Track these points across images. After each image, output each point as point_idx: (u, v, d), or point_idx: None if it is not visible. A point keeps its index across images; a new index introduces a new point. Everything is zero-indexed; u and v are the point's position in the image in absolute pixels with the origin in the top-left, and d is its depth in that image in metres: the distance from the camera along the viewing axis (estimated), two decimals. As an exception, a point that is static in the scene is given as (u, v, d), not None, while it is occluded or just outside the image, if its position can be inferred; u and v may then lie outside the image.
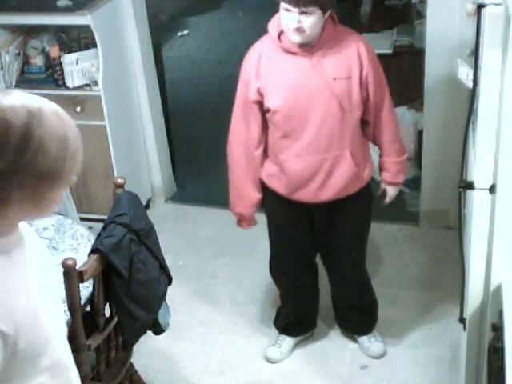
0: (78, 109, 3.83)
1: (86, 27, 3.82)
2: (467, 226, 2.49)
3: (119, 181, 2.69)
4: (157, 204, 4.55)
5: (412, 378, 3.17)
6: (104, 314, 2.53)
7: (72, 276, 2.27)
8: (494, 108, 2.04)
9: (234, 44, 6.67)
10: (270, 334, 3.41)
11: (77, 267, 2.29)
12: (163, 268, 2.67)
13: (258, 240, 3.39)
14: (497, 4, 1.92)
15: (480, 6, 1.97)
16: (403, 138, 3.03)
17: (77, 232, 2.86)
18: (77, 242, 2.80)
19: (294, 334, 3.34)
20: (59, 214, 3.09)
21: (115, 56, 4.02)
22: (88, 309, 2.53)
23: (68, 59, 3.89)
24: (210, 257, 4.03)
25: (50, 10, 3.91)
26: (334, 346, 3.37)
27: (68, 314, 2.31)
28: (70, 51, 3.93)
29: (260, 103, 2.80)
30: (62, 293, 2.24)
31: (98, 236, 2.49)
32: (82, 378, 1.87)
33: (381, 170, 3.01)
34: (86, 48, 3.94)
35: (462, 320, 2.54)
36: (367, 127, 2.89)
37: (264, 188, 2.98)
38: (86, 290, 2.49)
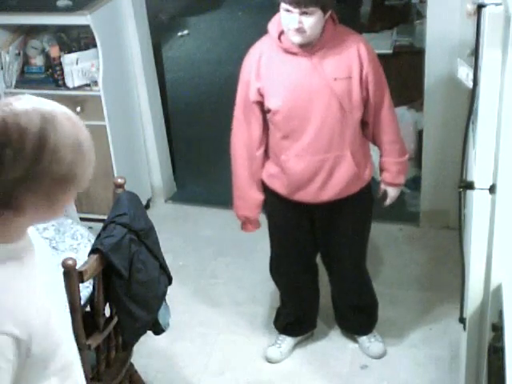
0: (78, 109, 3.83)
1: (86, 27, 3.82)
2: (467, 226, 2.49)
3: (119, 181, 2.69)
4: (157, 204, 4.55)
5: (412, 378, 3.17)
6: (104, 314, 2.53)
7: (72, 276, 2.27)
8: (493, 108, 2.04)
9: (234, 44, 6.67)
10: (270, 334, 3.41)
11: (77, 267, 2.29)
12: (163, 268, 2.67)
13: (258, 240, 3.39)
14: (497, 4, 1.92)
15: (480, 6, 1.97)
16: (403, 138, 3.03)
17: (77, 232, 2.86)
18: (77, 242, 2.80)
19: (294, 334, 3.34)
20: (59, 214, 3.08)
21: (115, 56, 4.02)
22: (88, 309, 2.53)
23: (68, 59, 3.89)
24: (210, 257, 4.03)
25: (50, 10, 3.91)
26: (333, 345, 3.37)
27: (68, 314, 2.32)
28: (70, 51, 3.93)
29: (260, 104, 2.80)
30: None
31: (98, 236, 2.49)
32: (82, 378, 1.88)
33: (381, 170, 3.01)
34: (86, 48, 3.94)
35: (461, 320, 2.54)
36: (367, 127, 2.89)
37: (264, 188, 2.98)
38: (86, 289, 2.49)
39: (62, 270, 2.25)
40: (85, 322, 2.39)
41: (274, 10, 2.70)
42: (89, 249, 2.50)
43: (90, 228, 3.18)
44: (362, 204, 2.99)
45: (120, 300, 2.49)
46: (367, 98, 2.78)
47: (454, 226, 3.22)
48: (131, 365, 2.84)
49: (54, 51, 3.92)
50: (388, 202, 3.05)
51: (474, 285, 2.32)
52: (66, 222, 2.90)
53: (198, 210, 4.47)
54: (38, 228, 2.78)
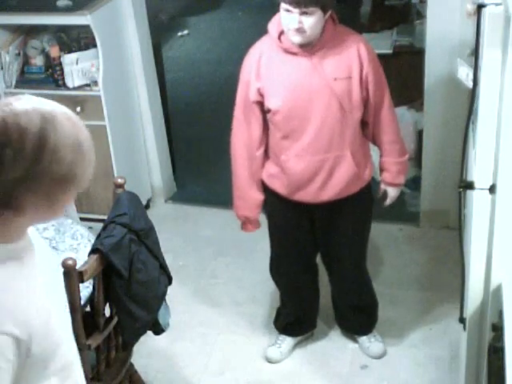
0: (78, 109, 3.82)
1: (86, 27, 3.82)
2: (467, 226, 2.49)
3: (119, 181, 2.69)
4: (157, 204, 4.55)
5: (412, 378, 3.17)
6: (104, 314, 2.53)
7: (72, 276, 2.27)
8: (493, 108, 2.04)
9: (234, 44, 6.66)
10: (270, 334, 3.41)
11: (77, 267, 2.29)
12: (163, 268, 2.67)
13: (258, 240, 3.39)
14: (497, 4, 1.92)
15: (480, 6, 1.97)
16: (403, 138, 3.03)
17: (77, 232, 2.86)
18: (77, 242, 2.80)
19: (294, 334, 3.34)
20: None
21: (115, 56, 4.02)
22: (88, 309, 2.53)
23: (68, 59, 3.89)
24: (210, 257, 4.03)
25: (50, 10, 3.91)
26: (333, 345, 3.37)
27: (68, 314, 2.32)
28: (70, 51, 3.93)
29: (261, 104, 2.79)
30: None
31: (98, 236, 2.49)
32: (82, 378, 1.88)
33: (381, 170, 3.01)
34: (86, 48, 3.94)
35: (461, 320, 2.54)
36: (367, 127, 2.89)
37: (264, 188, 2.98)
38: (86, 289, 2.49)
39: (62, 270, 2.25)
40: (85, 322, 2.39)
41: (274, 9, 2.70)
42: (89, 249, 2.50)
43: (90, 228, 3.18)
44: (362, 204, 2.99)
45: (120, 300, 2.49)
46: (367, 97, 2.78)
47: (454, 225, 3.22)
48: (131, 365, 2.84)
49: (54, 51, 3.92)
50: (388, 202, 3.05)
51: (474, 285, 2.32)
52: (65, 222, 2.90)
53: (198, 210, 4.47)
54: (38, 228, 2.78)
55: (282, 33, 2.70)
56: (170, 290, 2.73)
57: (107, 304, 2.55)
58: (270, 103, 2.76)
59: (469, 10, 2.48)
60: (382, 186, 3.03)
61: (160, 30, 5.20)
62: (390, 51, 4.59)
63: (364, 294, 3.27)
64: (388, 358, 3.28)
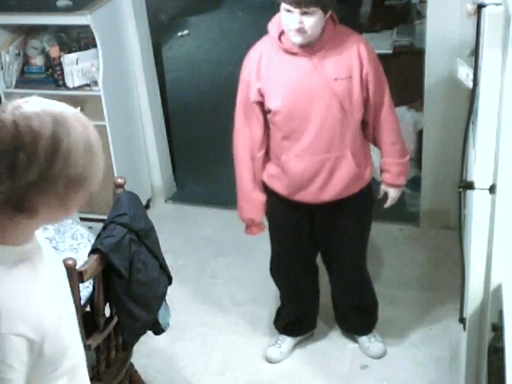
0: (78, 109, 3.80)
1: (86, 27, 3.82)
2: (467, 226, 2.48)
3: (119, 181, 2.69)
4: (157, 204, 4.55)
5: (412, 378, 3.17)
6: (104, 314, 2.53)
7: (72, 276, 2.26)
8: (493, 108, 2.04)
9: (234, 44, 6.67)
10: (270, 334, 3.41)
11: (77, 267, 2.29)
12: (163, 268, 2.67)
13: (258, 240, 3.39)
14: (497, 4, 1.92)
15: (480, 6, 1.97)
16: (403, 138, 3.02)
17: (77, 232, 2.86)
18: (77, 242, 2.80)
19: (294, 334, 3.34)
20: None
21: (115, 56, 4.02)
22: (88, 309, 2.53)
23: (68, 59, 3.89)
24: (210, 257, 4.03)
25: (50, 9, 3.91)
26: (334, 346, 3.37)
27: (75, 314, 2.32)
28: (70, 51, 3.93)
29: (261, 104, 2.79)
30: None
31: (98, 236, 2.49)
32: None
33: (382, 171, 3.00)
34: (86, 48, 3.94)
35: (461, 320, 2.54)
36: (368, 128, 2.89)
37: (265, 189, 2.98)
38: (86, 289, 2.49)
39: (62, 270, 2.25)
40: (85, 321, 2.39)
41: (274, 10, 2.70)
42: (89, 249, 2.50)
43: (90, 228, 3.18)
44: (362, 204, 2.99)
45: (120, 300, 2.49)
46: (367, 98, 2.78)
47: (454, 225, 3.22)
48: (131, 365, 2.84)
49: (54, 51, 3.92)
50: (389, 203, 3.04)
51: (474, 285, 2.32)
52: (65, 222, 2.90)
53: (198, 210, 4.47)
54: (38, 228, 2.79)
55: (282, 33, 2.70)
56: (170, 290, 2.73)
57: (107, 304, 2.55)
58: (270, 103, 2.76)
59: (469, 10, 2.48)
60: (383, 187, 3.02)
61: (160, 30, 5.20)
62: (390, 51, 4.58)
63: (364, 293, 3.27)
64: (388, 358, 3.28)
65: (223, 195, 4.36)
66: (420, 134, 4.15)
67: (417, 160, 4.20)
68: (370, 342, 3.29)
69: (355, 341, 3.35)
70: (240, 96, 2.85)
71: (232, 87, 2.97)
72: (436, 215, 4.06)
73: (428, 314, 3.49)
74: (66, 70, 3.91)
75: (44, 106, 1.35)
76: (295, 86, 2.70)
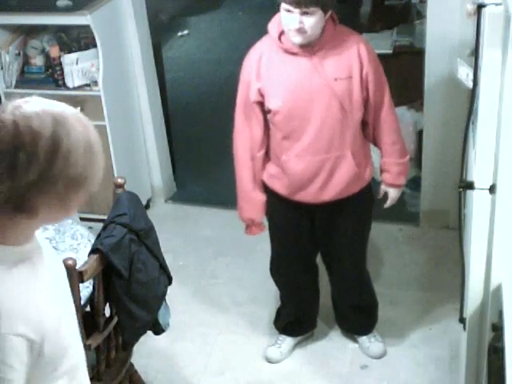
0: (78, 109, 3.80)
1: (86, 27, 3.82)
2: (467, 226, 2.48)
3: (119, 181, 2.69)
4: (157, 204, 4.55)
5: (412, 378, 3.17)
6: (104, 314, 2.53)
7: (72, 276, 2.26)
8: (493, 108, 2.04)
9: (234, 44, 6.67)
10: (270, 334, 3.41)
11: (77, 267, 2.29)
12: (163, 268, 2.67)
13: (258, 240, 3.39)
14: (497, 4, 1.92)
15: (480, 6, 1.97)
16: (403, 138, 3.02)
17: (77, 232, 2.86)
18: (77, 242, 2.80)
19: (294, 334, 3.34)
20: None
21: (115, 56, 4.02)
22: (88, 309, 2.53)
23: (68, 59, 3.89)
24: (210, 257, 4.03)
25: (50, 9, 3.91)
26: (334, 346, 3.37)
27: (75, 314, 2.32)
28: (70, 51, 3.93)
29: (261, 104, 2.79)
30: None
31: (98, 236, 2.49)
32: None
33: (382, 171, 3.00)
34: (86, 48, 3.94)
35: (461, 320, 2.54)
36: (368, 128, 2.89)
37: (265, 189, 2.98)
38: (86, 289, 2.49)
39: (62, 270, 2.25)
40: (85, 321, 2.39)
41: (274, 10, 2.70)
42: (89, 249, 2.50)
43: (90, 228, 3.18)
44: (362, 204, 2.99)
45: (120, 300, 2.49)
46: (367, 98, 2.78)
47: (454, 226, 3.22)
48: (131, 365, 2.84)
49: (54, 51, 3.92)
50: (389, 203, 3.04)
51: (474, 285, 2.32)
52: (65, 222, 2.90)
53: (198, 210, 4.47)
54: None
55: (282, 33, 2.70)
56: (170, 290, 2.73)
57: (107, 304, 2.55)
58: (270, 103, 2.76)
59: (469, 10, 2.48)
60: (383, 187, 3.02)
61: (160, 30, 5.20)
62: (390, 51, 4.58)
63: (364, 293, 3.27)
64: (388, 358, 3.28)
65: (223, 195, 4.36)
66: (420, 134, 4.15)
67: (417, 160, 4.20)
68: (370, 342, 3.29)
69: (355, 341, 3.35)
70: (240, 96, 2.84)
71: (232, 87, 2.97)
72: (436, 215, 4.06)
73: (428, 314, 3.49)
74: (66, 70, 3.91)
75: (44, 106, 1.35)
76: (295, 86, 2.70)
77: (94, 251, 2.42)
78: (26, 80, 4.06)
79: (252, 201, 2.97)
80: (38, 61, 4.06)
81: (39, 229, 1.48)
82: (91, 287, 2.50)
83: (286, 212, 3.00)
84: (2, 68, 3.98)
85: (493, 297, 2.20)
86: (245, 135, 2.87)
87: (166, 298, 2.73)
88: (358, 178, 2.88)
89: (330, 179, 2.83)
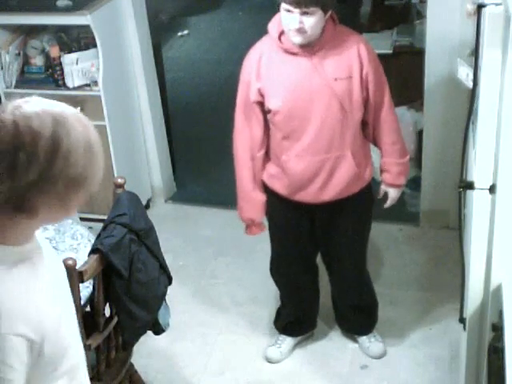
0: (78, 109, 3.80)
1: (86, 27, 3.82)
2: (467, 226, 2.49)
3: (119, 181, 2.69)
4: (157, 204, 4.55)
5: (412, 378, 3.17)
6: (104, 314, 2.53)
7: (72, 276, 2.26)
8: (493, 108, 2.04)
9: (234, 44, 6.67)
10: (270, 334, 3.41)
11: (77, 267, 2.29)
12: (163, 268, 2.67)
13: (258, 240, 3.39)
14: (497, 4, 1.92)
15: (480, 6, 1.97)
16: (403, 138, 3.02)
17: (77, 232, 2.86)
18: (77, 242, 2.80)
19: (294, 334, 3.34)
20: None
21: (115, 56, 4.02)
22: (88, 309, 2.53)
23: (68, 59, 3.89)
24: (210, 257, 4.03)
25: (50, 9, 3.91)
26: (334, 346, 3.37)
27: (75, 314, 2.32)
28: (70, 51, 3.93)
29: (261, 104, 2.79)
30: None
31: (98, 236, 2.49)
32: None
33: (382, 171, 3.00)
34: (86, 48, 3.94)
35: (461, 320, 2.54)
36: (367, 128, 2.89)
37: (265, 189, 2.98)
38: (86, 289, 2.49)
39: (62, 270, 2.25)
40: (85, 321, 2.39)
41: (274, 10, 2.70)
42: (89, 249, 2.50)
43: (90, 228, 3.18)
44: (362, 204, 2.99)
45: (120, 300, 2.49)
46: (367, 98, 2.78)
47: (454, 225, 3.22)
48: (131, 365, 2.84)
49: (54, 51, 3.92)
50: (388, 203, 3.04)
51: (474, 285, 2.32)
52: (65, 222, 2.90)
53: (198, 210, 4.47)
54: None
55: (282, 33, 2.70)
56: (170, 290, 2.73)
57: (107, 304, 2.55)
58: (270, 103, 2.75)
59: (469, 10, 2.48)
60: (383, 187, 3.02)
61: (160, 30, 5.20)
62: (390, 51, 4.58)
63: (364, 293, 3.27)
64: (388, 358, 3.28)
65: (223, 195, 4.36)
66: (420, 134, 4.15)
67: (417, 160, 4.20)
68: (370, 342, 3.29)
69: (355, 341, 3.35)
70: (240, 96, 2.84)
71: (232, 87, 2.97)
72: (436, 215, 4.06)
73: (428, 314, 3.49)
74: (66, 70, 3.91)
75: (44, 106, 1.35)
76: (295, 86, 2.70)
77: (94, 251, 2.42)
78: (26, 80, 4.06)
79: (252, 201, 2.97)
80: (38, 61, 4.06)
81: (39, 229, 1.48)
82: (91, 287, 2.50)
83: (286, 212, 3.00)
84: (1, 68, 3.98)
85: (493, 297, 2.20)
86: (245, 135, 2.87)
87: (166, 298, 2.73)
88: (358, 177, 2.88)
89: (330, 179, 2.83)
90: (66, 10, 3.87)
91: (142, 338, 2.69)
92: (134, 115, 4.30)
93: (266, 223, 3.09)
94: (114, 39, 4.01)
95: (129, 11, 4.05)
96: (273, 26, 2.74)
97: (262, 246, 3.51)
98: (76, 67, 3.90)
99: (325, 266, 3.23)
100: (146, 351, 3.29)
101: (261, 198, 2.97)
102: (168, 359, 3.36)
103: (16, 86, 4.03)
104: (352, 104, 2.73)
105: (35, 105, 1.34)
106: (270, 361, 3.31)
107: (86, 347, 2.40)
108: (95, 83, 3.91)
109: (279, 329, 3.36)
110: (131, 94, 4.23)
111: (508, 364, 1.79)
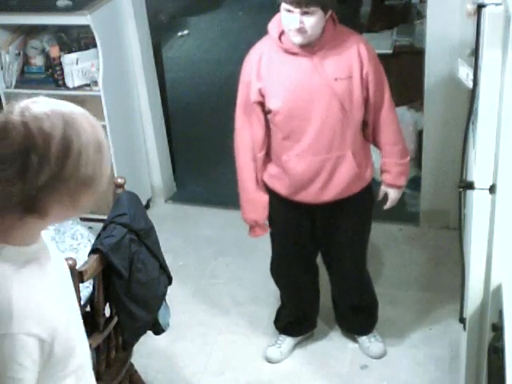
0: (80, 109, 3.82)
1: (86, 27, 3.82)
2: (467, 226, 2.49)
3: (119, 181, 2.69)
4: (157, 204, 4.55)
5: (412, 378, 3.17)
6: (104, 314, 2.53)
7: (72, 276, 2.26)
8: (493, 108, 2.04)
9: (234, 44, 6.67)
10: (270, 334, 3.41)
11: (77, 267, 2.29)
12: (163, 268, 2.67)
13: (258, 240, 3.39)
14: (497, 4, 1.92)
15: (480, 6, 1.97)
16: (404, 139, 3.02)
17: (77, 232, 2.86)
18: (77, 242, 2.80)
19: (294, 334, 3.34)
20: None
21: (115, 56, 4.02)
22: (88, 309, 2.53)
23: (68, 59, 3.89)
24: (210, 257, 4.03)
25: (50, 9, 3.91)
26: (334, 346, 3.37)
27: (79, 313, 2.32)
28: (70, 51, 3.93)
29: (262, 104, 2.79)
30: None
31: (98, 236, 2.49)
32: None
33: (382, 171, 2.99)
34: (86, 48, 3.94)
35: (461, 320, 2.55)
36: (368, 128, 2.89)
37: (265, 189, 2.98)
38: (86, 289, 2.49)
39: (62, 270, 2.25)
40: (85, 322, 2.38)
41: (274, 10, 2.70)
42: (89, 249, 2.50)
43: (90, 228, 3.18)
44: (362, 204, 2.99)
45: (120, 300, 2.49)
46: (368, 97, 2.78)
47: (454, 225, 3.22)
48: (131, 365, 2.84)
49: (54, 51, 3.92)
50: (389, 204, 3.02)
51: (474, 285, 2.32)
52: (66, 222, 2.90)
53: (198, 210, 4.47)
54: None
55: (282, 33, 2.70)
56: (170, 290, 2.73)
57: (107, 304, 2.55)
58: (270, 104, 2.75)
59: (469, 10, 2.48)
60: (383, 188, 3.01)
61: (160, 30, 5.20)
62: (390, 51, 4.58)
63: (364, 293, 3.27)
64: (388, 358, 3.28)
65: (223, 195, 4.36)
66: (420, 134, 4.15)
67: (417, 160, 4.20)
68: (370, 342, 3.29)
69: (355, 341, 3.35)
70: (240, 96, 2.84)
71: (232, 87, 2.97)
72: (436, 215, 4.06)
73: (428, 314, 3.49)
74: (66, 69, 3.91)
75: (53, 106, 1.35)
76: (295, 86, 2.70)
77: (93, 251, 2.42)
78: (26, 80, 4.06)
79: (255, 202, 2.96)
80: (37, 61, 4.06)
81: (46, 229, 1.48)
82: (91, 287, 2.50)
83: (287, 212, 2.99)
84: (2, 68, 3.98)
85: (493, 297, 2.20)
86: (246, 136, 2.87)
87: (166, 298, 2.73)
88: (359, 178, 2.88)
89: (330, 179, 2.83)
90: (66, 9, 3.87)
91: (142, 338, 2.69)
92: (134, 115, 4.30)
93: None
94: (113, 39, 4.01)
95: (129, 11, 4.05)
96: (273, 26, 2.74)
97: (262, 245, 3.51)
98: (76, 67, 3.90)
99: (325, 266, 3.23)
100: (146, 351, 3.29)
101: (264, 198, 2.96)
102: (168, 359, 3.36)
103: (16, 86, 4.02)
104: (352, 104, 2.73)
105: (44, 105, 1.34)
106: (270, 361, 3.31)
107: (86, 347, 2.40)
108: (95, 83, 3.91)
109: (279, 329, 3.36)
110: (131, 94, 4.23)
111: (508, 364, 1.79)
